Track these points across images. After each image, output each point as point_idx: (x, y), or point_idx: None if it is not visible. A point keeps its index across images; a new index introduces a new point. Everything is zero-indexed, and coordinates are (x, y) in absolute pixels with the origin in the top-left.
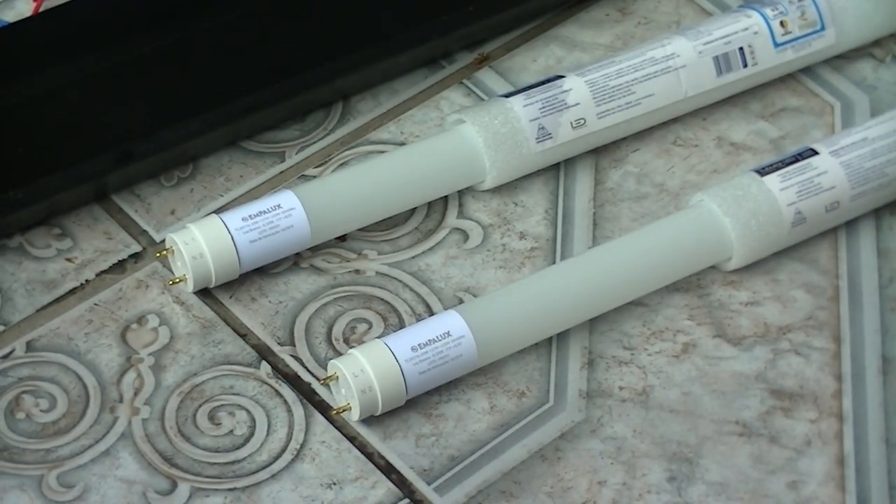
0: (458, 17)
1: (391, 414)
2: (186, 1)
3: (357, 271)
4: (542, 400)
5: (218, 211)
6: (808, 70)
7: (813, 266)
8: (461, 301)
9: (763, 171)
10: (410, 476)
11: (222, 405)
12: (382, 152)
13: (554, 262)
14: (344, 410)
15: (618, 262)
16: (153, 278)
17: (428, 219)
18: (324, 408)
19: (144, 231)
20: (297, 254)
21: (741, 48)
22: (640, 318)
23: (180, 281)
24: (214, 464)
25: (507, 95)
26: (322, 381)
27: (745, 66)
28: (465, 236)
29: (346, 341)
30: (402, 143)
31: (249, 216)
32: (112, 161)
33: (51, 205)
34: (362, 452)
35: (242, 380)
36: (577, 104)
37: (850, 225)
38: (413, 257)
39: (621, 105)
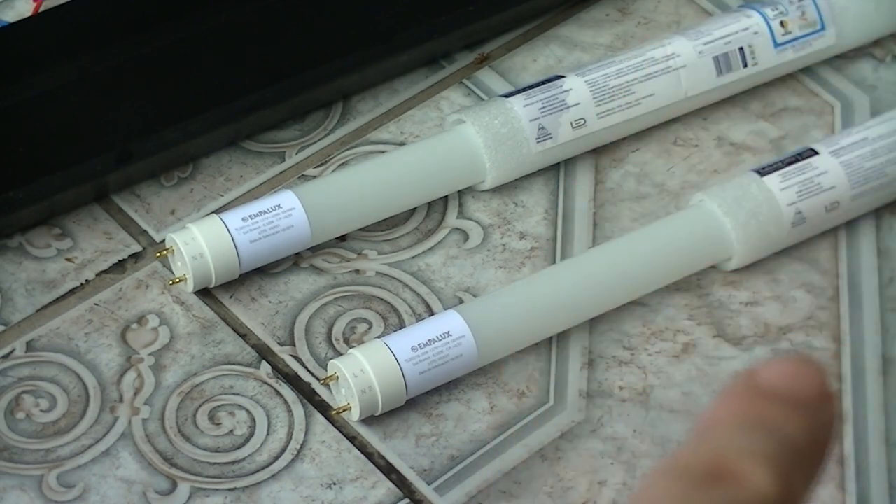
0: (458, 17)
1: (391, 414)
2: (186, 1)
3: (357, 271)
4: (543, 400)
5: (218, 211)
6: (808, 70)
7: (813, 266)
8: (461, 301)
9: (763, 171)
10: (410, 476)
11: (222, 405)
12: (382, 152)
13: (554, 262)
14: (344, 410)
15: (618, 262)
16: (153, 278)
17: (428, 219)
18: (324, 408)
19: (144, 231)
20: (297, 254)
21: (741, 48)
22: (640, 318)
23: (180, 281)
24: (214, 464)
25: (507, 95)
26: (322, 381)
27: (746, 66)
28: (465, 236)
29: (346, 341)
30: (402, 143)
31: (249, 216)
32: (112, 161)
33: (51, 205)
34: (362, 452)
35: (242, 380)
36: (577, 104)
37: (850, 225)
38: (413, 257)
39: (621, 105)
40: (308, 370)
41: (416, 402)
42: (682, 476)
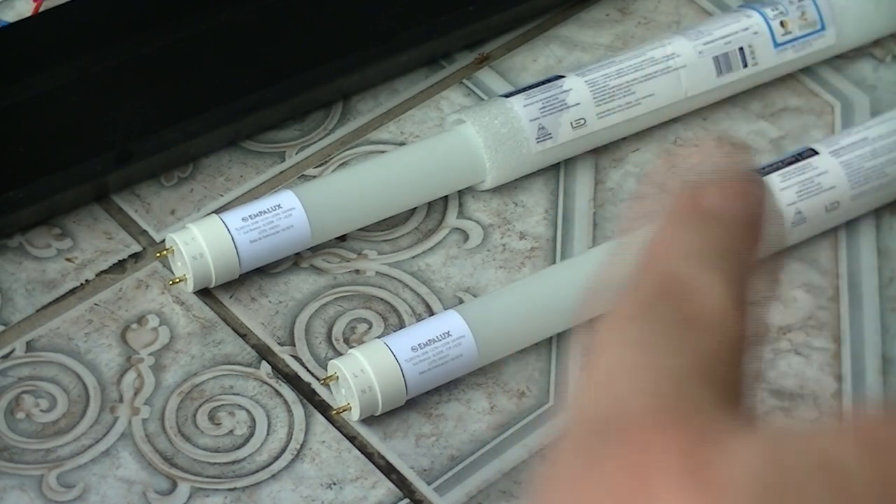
0: (458, 17)
1: (391, 414)
2: (186, 1)
3: (357, 271)
4: (543, 400)
5: (218, 211)
6: (808, 70)
7: (813, 266)
8: (461, 301)
9: (763, 171)
10: (410, 476)
11: (222, 405)
12: (382, 152)
13: (554, 262)
14: (344, 410)
15: None
16: (153, 278)
17: (428, 219)
18: (324, 408)
19: (144, 231)
20: (297, 254)
21: (741, 48)
22: None
23: (180, 281)
24: (214, 464)
25: (507, 95)
26: (322, 381)
27: (746, 66)
28: (465, 236)
29: (346, 341)
30: (402, 143)
31: (249, 216)
32: (112, 161)
33: (51, 205)
34: (362, 452)
35: (242, 380)
36: (578, 104)
37: (850, 225)
38: (413, 257)
39: (621, 105)
40: (308, 370)
41: (416, 402)
42: (635, 294)
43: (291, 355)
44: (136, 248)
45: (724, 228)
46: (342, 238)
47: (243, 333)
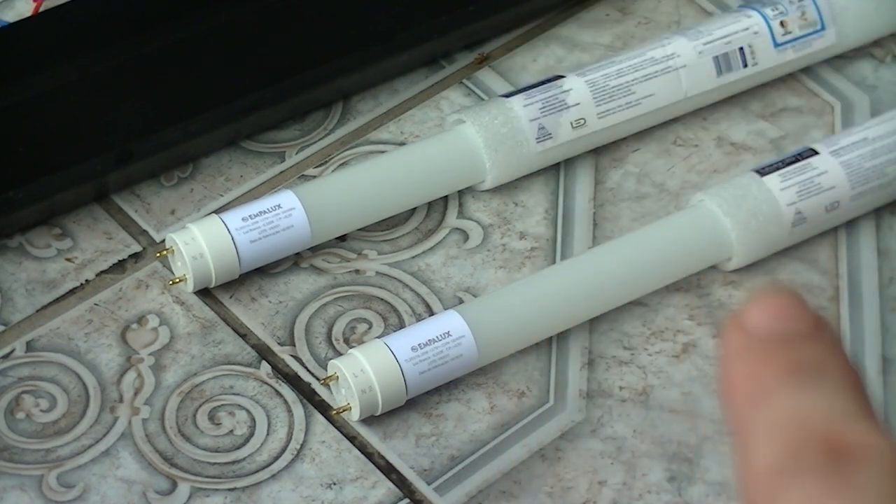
0: (459, 17)
1: (391, 414)
2: (186, 1)
3: (357, 271)
4: (543, 400)
5: (218, 211)
6: (808, 70)
7: (813, 266)
8: (461, 301)
9: (763, 171)
10: (410, 476)
11: (222, 405)
12: (382, 152)
13: (554, 262)
14: (344, 410)
15: (618, 262)
16: (153, 278)
17: (428, 219)
18: (324, 408)
19: (144, 231)
20: (297, 254)
21: (741, 48)
22: (640, 318)
23: (180, 281)
24: (214, 464)
25: (507, 95)
26: (322, 381)
27: (746, 66)
28: (465, 236)
29: (346, 341)
30: (402, 143)
31: (249, 216)
32: (112, 161)
33: (51, 205)
34: (362, 452)
35: (242, 380)
36: (578, 104)
37: (850, 225)
38: (413, 257)
39: (621, 105)
40: (308, 370)
41: (416, 402)
42: (805, 469)
43: (291, 355)
44: (136, 248)
45: (801, 347)
46: (342, 238)
47: (243, 333)
